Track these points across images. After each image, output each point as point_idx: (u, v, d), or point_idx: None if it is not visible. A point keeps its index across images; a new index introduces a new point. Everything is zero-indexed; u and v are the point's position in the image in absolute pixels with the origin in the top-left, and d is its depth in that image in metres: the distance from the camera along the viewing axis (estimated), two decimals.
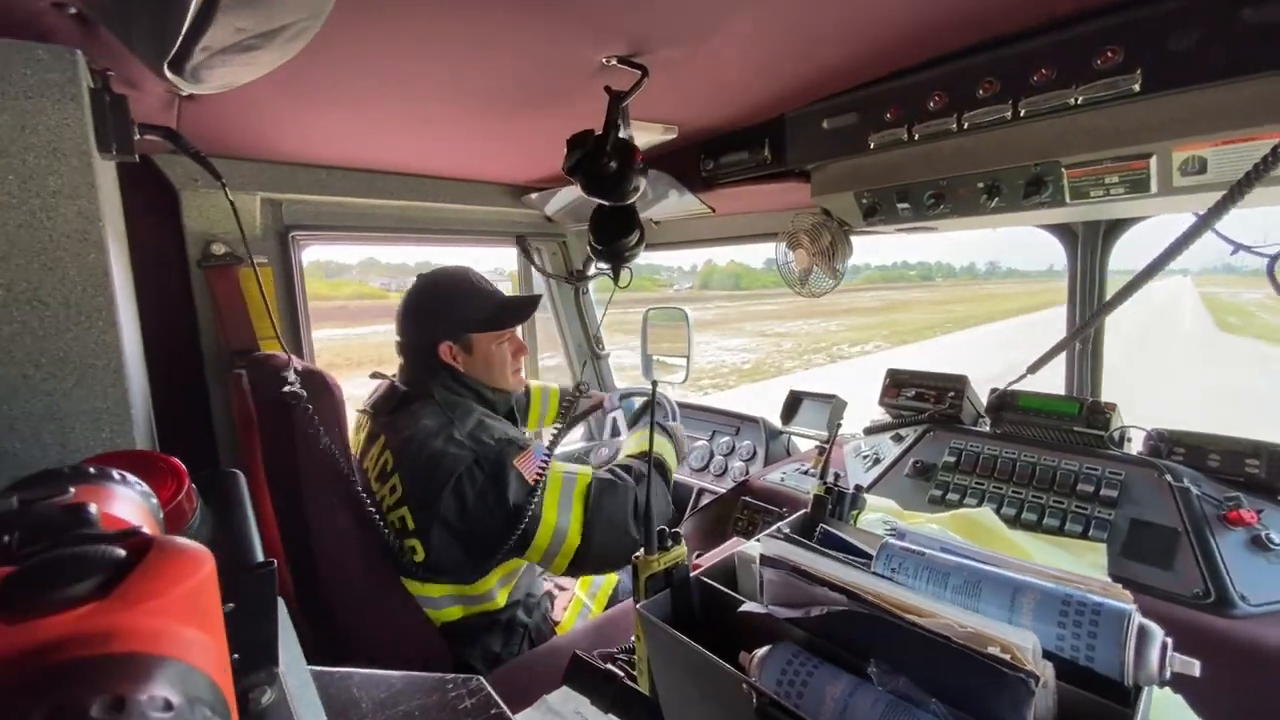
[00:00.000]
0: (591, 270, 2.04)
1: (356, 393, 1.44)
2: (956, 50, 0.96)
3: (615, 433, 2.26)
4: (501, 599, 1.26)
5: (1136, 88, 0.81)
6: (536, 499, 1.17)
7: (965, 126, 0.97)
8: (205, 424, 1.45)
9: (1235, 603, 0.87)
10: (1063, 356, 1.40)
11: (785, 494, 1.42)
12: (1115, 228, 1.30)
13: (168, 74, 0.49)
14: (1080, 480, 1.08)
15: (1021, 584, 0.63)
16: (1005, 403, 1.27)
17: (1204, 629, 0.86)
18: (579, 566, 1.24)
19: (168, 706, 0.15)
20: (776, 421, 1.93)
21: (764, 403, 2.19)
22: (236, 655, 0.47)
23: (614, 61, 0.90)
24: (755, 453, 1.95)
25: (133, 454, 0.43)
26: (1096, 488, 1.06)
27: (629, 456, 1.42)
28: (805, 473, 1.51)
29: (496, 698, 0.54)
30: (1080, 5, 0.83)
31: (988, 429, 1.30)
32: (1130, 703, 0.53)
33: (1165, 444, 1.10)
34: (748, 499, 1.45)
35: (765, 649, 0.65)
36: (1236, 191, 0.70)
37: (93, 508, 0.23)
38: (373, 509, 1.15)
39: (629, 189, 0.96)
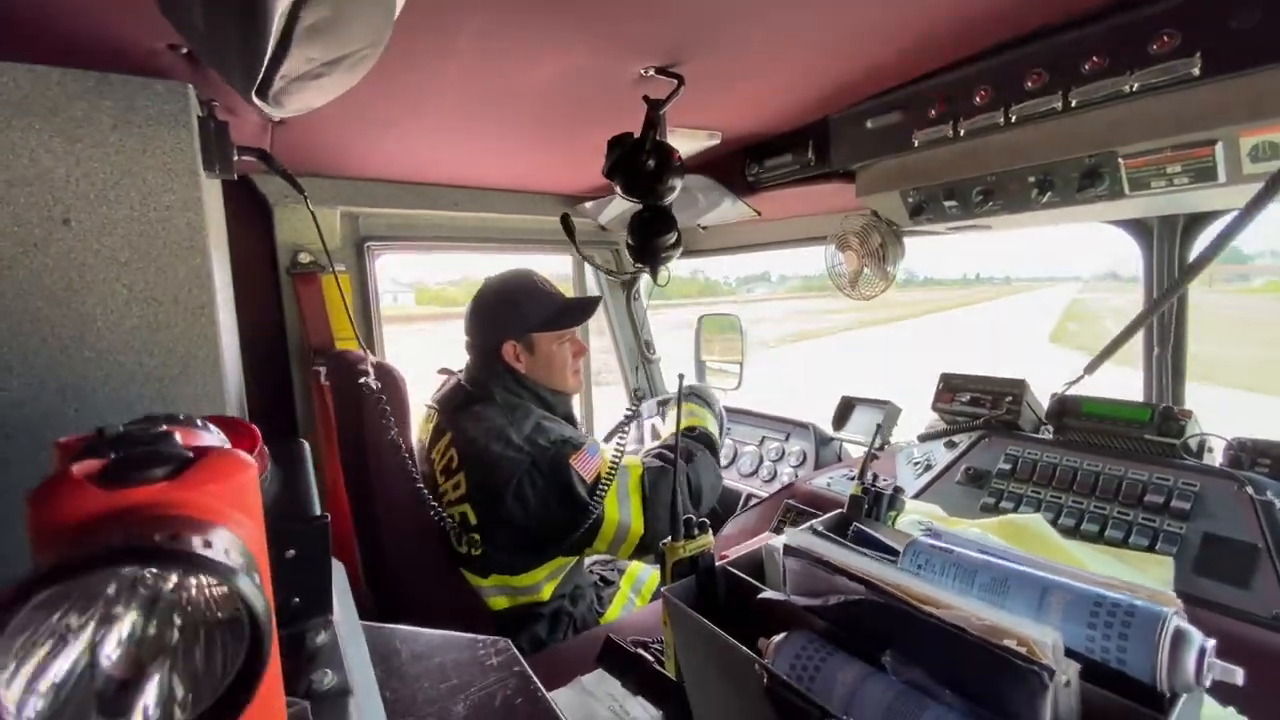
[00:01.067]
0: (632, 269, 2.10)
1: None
2: (1000, 43, 0.94)
3: (656, 437, 2.29)
4: (547, 592, 1.32)
5: (1196, 71, 0.77)
6: (597, 498, 1.23)
7: (1013, 120, 0.95)
8: (289, 412, 1.61)
9: None
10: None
11: (829, 498, 1.40)
12: (1196, 221, 1.21)
13: (255, 100, 0.57)
14: (1149, 490, 1.01)
15: (1052, 584, 0.61)
16: (1067, 408, 1.21)
17: None
18: (644, 550, 1.31)
19: (209, 545, 0.20)
20: (827, 427, 1.90)
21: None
22: (297, 599, 0.55)
23: (651, 72, 0.94)
24: (805, 458, 1.92)
25: (219, 417, 0.51)
26: (1167, 499, 0.99)
27: (670, 437, 1.47)
28: (852, 478, 1.48)
29: (520, 658, 0.59)
30: None
31: (1048, 436, 1.24)
32: (1164, 708, 0.51)
33: (1248, 454, 1.01)
34: (790, 502, 1.44)
35: (782, 635, 0.66)
36: None
37: (176, 435, 0.30)
38: (434, 503, 1.24)
39: (666, 188, 0.99)
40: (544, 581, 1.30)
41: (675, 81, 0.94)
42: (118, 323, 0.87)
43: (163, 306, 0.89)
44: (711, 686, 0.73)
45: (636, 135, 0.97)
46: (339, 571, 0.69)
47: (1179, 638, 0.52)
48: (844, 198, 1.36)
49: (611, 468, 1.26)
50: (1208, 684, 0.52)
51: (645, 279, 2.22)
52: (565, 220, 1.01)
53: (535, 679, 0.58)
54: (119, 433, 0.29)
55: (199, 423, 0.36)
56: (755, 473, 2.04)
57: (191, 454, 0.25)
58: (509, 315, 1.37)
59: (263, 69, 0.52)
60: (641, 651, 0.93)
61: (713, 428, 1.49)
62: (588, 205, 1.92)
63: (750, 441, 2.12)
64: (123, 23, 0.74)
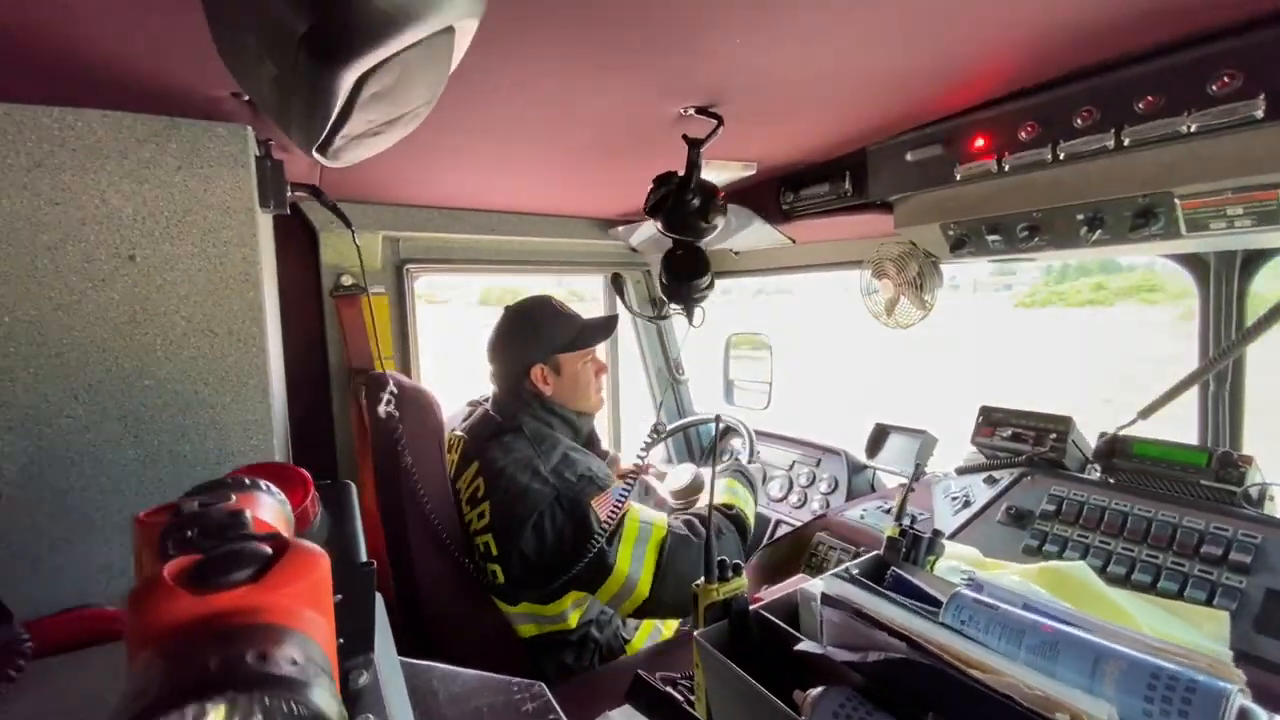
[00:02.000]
0: (666, 311, 2.10)
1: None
2: (1051, 79, 0.93)
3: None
4: (574, 620, 1.32)
5: (1260, 114, 0.74)
6: (613, 546, 1.21)
7: (1061, 157, 0.92)
8: (329, 433, 1.65)
9: None
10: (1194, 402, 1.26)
11: (864, 532, 1.37)
12: (1256, 258, 1.16)
13: (314, 155, 0.60)
14: (1206, 541, 0.97)
15: (1106, 651, 0.59)
16: (1117, 449, 1.16)
17: None
18: (645, 613, 1.28)
19: (294, 662, 0.21)
20: (860, 454, 1.87)
21: None
22: (342, 640, 0.56)
23: (691, 111, 0.95)
24: (837, 485, 1.89)
25: (273, 466, 0.53)
26: (1226, 550, 0.94)
27: (703, 507, 1.42)
28: (887, 511, 1.45)
29: (554, 704, 0.59)
30: (1190, 29, 0.77)
31: (1095, 477, 1.20)
32: None
33: None
34: (823, 535, 1.41)
35: (820, 689, 0.65)
36: None
37: (247, 513, 0.31)
38: (461, 530, 1.25)
39: (709, 227, 1.00)
40: (569, 610, 1.30)
41: (715, 121, 0.95)
42: (175, 353, 0.91)
43: (218, 338, 0.93)
44: None
45: (680, 173, 0.98)
46: (379, 606, 0.71)
47: (1244, 718, 0.50)
48: (880, 225, 1.34)
49: (634, 519, 1.25)
50: None
51: None
52: (616, 279, 1.03)
53: None
54: (195, 511, 0.30)
55: (262, 486, 0.38)
56: (785, 498, 2.01)
57: (271, 551, 0.26)
58: (534, 339, 1.40)
59: (325, 132, 0.54)
60: (671, 690, 0.92)
61: (749, 515, 1.44)
62: (620, 229, 1.94)
63: (780, 466, 2.09)
64: (190, 71, 0.78)
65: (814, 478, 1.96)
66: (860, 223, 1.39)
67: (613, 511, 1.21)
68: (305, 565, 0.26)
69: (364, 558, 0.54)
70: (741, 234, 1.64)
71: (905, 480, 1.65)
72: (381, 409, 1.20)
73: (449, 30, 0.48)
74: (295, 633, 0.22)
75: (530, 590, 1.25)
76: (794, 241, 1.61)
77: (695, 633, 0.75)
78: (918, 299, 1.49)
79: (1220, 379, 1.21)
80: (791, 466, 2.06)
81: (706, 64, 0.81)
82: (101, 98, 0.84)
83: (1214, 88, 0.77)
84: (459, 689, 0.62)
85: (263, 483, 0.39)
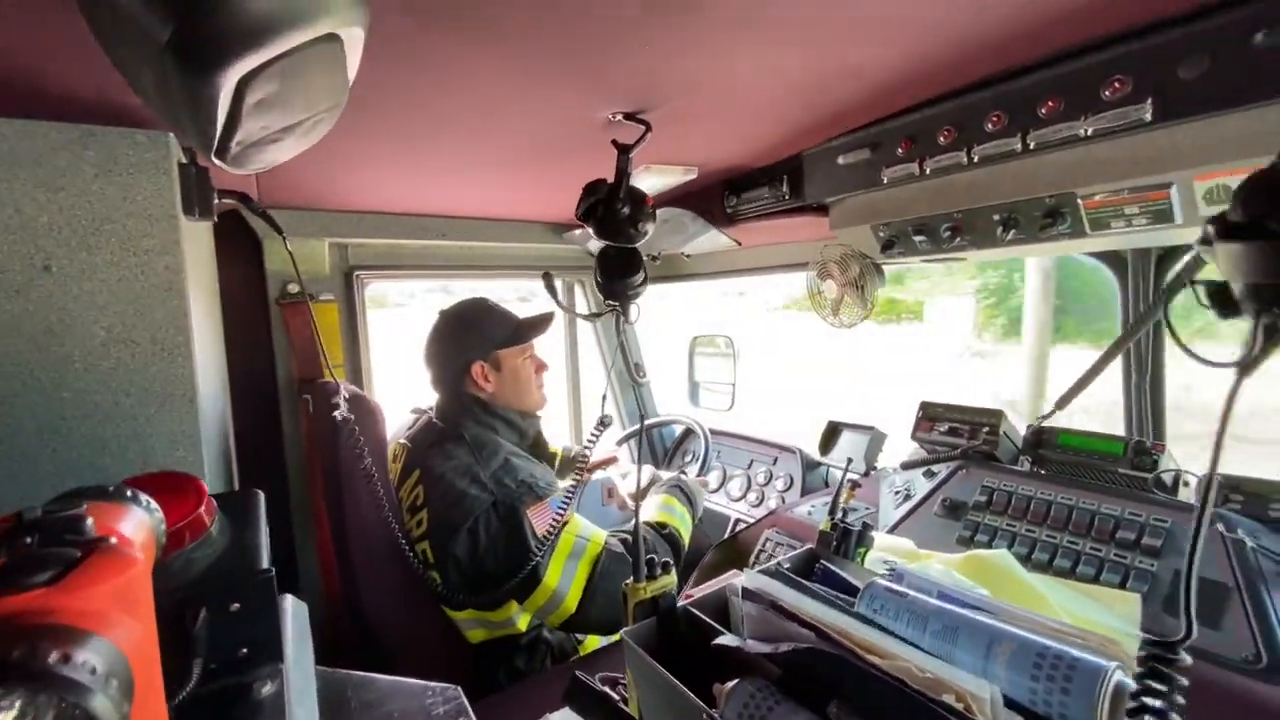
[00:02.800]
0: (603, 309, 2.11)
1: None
2: (963, 86, 0.96)
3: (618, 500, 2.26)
4: (523, 624, 1.31)
5: (1148, 117, 0.78)
6: (542, 557, 1.20)
7: (976, 160, 0.96)
8: (279, 445, 1.62)
9: None
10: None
11: (810, 528, 1.40)
12: (1170, 255, 1.22)
13: (215, 160, 0.60)
14: (1121, 526, 1.01)
15: (999, 633, 0.61)
16: (1044, 439, 1.21)
17: (1253, 697, 0.78)
18: (572, 627, 1.27)
19: (65, 660, 0.21)
20: (814, 451, 1.90)
21: None
22: (245, 650, 0.56)
23: (619, 118, 0.97)
24: (792, 482, 1.92)
25: (166, 475, 0.52)
26: (1138, 535, 0.99)
27: (647, 525, 1.42)
28: None
29: (467, 707, 0.59)
30: (1086, 36, 0.81)
31: (1025, 468, 1.24)
32: None
33: (1220, 490, 1.01)
34: (771, 532, 1.43)
35: (734, 682, 0.66)
36: None
37: (89, 520, 0.31)
38: (403, 538, 1.25)
39: (639, 233, 1.01)
40: (516, 615, 1.29)
41: (643, 128, 0.96)
42: (95, 364, 0.89)
43: (140, 348, 0.91)
44: None
45: (610, 180, 0.99)
46: (300, 613, 0.70)
47: (1120, 694, 0.52)
48: (820, 229, 1.38)
49: (570, 533, 1.25)
50: None
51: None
52: (547, 278, 1.03)
53: None
54: (36, 518, 0.30)
55: (127, 494, 0.38)
56: (744, 497, 2.04)
57: (79, 554, 0.26)
58: (472, 337, 1.41)
59: (216, 139, 0.54)
60: (609, 690, 0.93)
61: (684, 532, 1.44)
62: (576, 233, 1.95)
63: (740, 465, 2.12)
64: (103, 79, 0.77)
65: (771, 476, 1.99)
66: (801, 225, 1.42)
67: (552, 524, 1.21)
68: (110, 569, 0.26)
69: (264, 565, 0.53)
70: (689, 237, 1.66)
71: (854, 476, 1.69)
72: (339, 414, 1.19)
73: (333, 38, 0.48)
74: (91, 635, 0.23)
75: (469, 597, 1.24)
76: (739, 244, 1.63)
77: (622, 631, 0.76)
78: (859, 298, 1.53)
79: (1141, 370, 1.26)
80: (750, 465, 2.09)
81: (626, 72, 0.82)
82: (13, 106, 0.83)
83: (1107, 93, 0.81)
84: (372, 696, 0.61)
85: (130, 491, 0.39)
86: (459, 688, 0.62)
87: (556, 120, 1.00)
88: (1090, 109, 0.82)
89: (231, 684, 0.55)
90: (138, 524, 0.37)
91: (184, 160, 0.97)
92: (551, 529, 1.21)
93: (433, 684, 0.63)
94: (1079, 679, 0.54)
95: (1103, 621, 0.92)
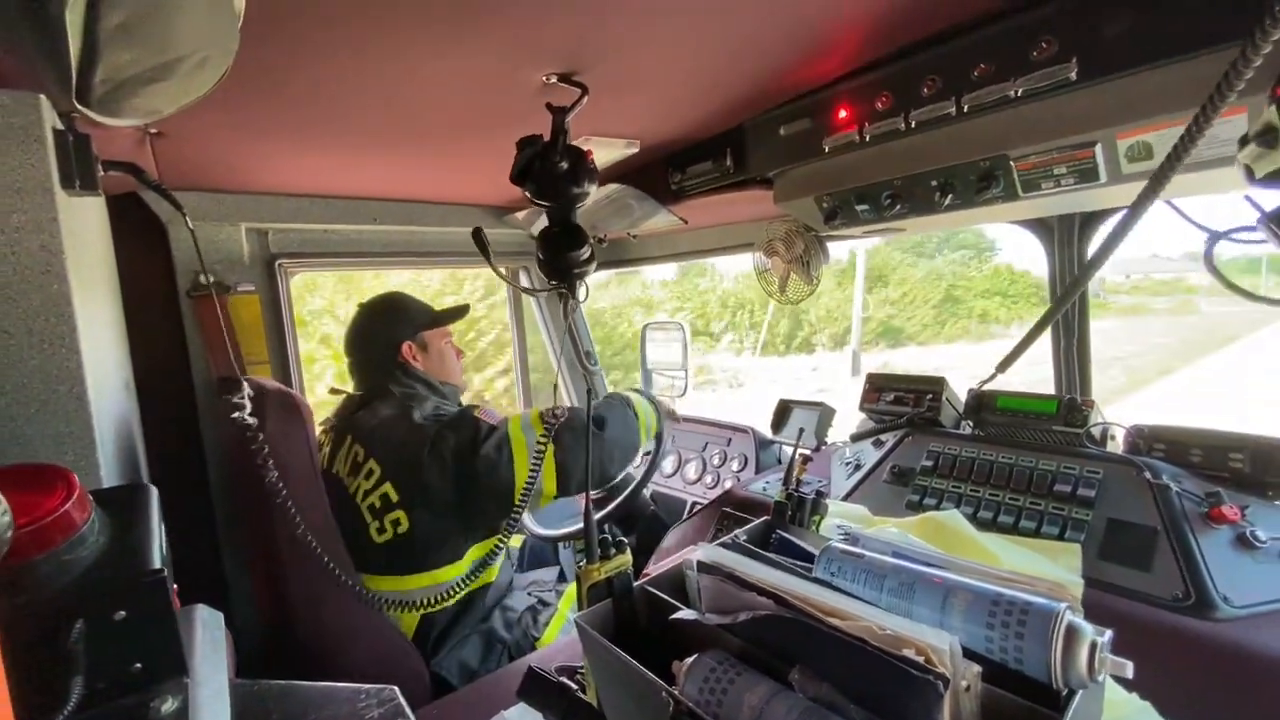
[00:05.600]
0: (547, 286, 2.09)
1: None
2: (898, 50, 0.97)
3: None
4: (473, 586, 1.29)
5: (1074, 76, 0.80)
6: (502, 424, 1.30)
7: (913, 125, 0.97)
8: (198, 446, 1.49)
9: (1217, 605, 0.82)
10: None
11: (765, 503, 1.39)
12: (1091, 220, 1.27)
13: (78, 106, 0.52)
14: (1057, 480, 1.05)
15: (954, 585, 0.61)
16: (984, 403, 1.24)
17: (1183, 633, 0.82)
18: (565, 477, 1.30)
19: None
20: (768, 430, 1.91)
21: None
22: (139, 664, 0.49)
23: (554, 79, 0.92)
24: (747, 462, 1.93)
25: (29, 468, 0.45)
26: (1074, 488, 1.02)
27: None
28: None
29: (405, 708, 0.54)
30: None
31: (967, 432, 1.27)
32: (1061, 707, 0.51)
33: (1145, 440, 1.06)
34: (727, 509, 1.43)
35: (693, 657, 0.64)
36: (1159, 178, 0.68)
37: None
38: (336, 542, 1.20)
39: (581, 192, 0.95)
40: (465, 577, 1.21)
41: (579, 90, 0.92)
42: None
43: (13, 339, 0.80)
44: (630, 715, 0.70)
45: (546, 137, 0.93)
46: (213, 622, 0.63)
47: (1071, 633, 0.52)
48: (764, 204, 1.37)
49: (514, 419, 1.33)
50: (1100, 679, 0.52)
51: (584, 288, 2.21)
52: (478, 235, 0.96)
53: None
54: None
55: None
56: (700, 479, 2.03)
57: None
58: (398, 321, 1.47)
59: (74, 73, 0.47)
60: (566, 681, 0.89)
61: (643, 414, 1.52)
62: (519, 216, 1.88)
63: (694, 449, 2.11)
64: None
65: (725, 457, 1.99)
66: (746, 201, 1.41)
67: (498, 417, 1.31)
68: None
69: (156, 565, 0.46)
70: (635, 216, 1.63)
71: (805, 450, 1.70)
72: (239, 415, 1.08)
73: None
74: None
75: (441, 535, 1.27)
76: (685, 222, 1.61)
77: (574, 615, 0.72)
78: (805, 275, 1.54)
79: (1069, 333, 1.32)
80: (705, 448, 2.08)
81: (557, 30, 0.78)
82: None
83: (1035, 54, 0.82)
84: (296, 705, 0.55)
85: None
86: (395, 689, 0.56)
87: (486, 83, 0.94)
88: (1020, 70, 0.84)
89: (125, 704, 0.48)
90: None
91: (60, 126, 0.86)
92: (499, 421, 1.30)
93: (366, 686, 0.57)
94: (1032, 622, 0.54)
95: (1049, 572, 0.95)
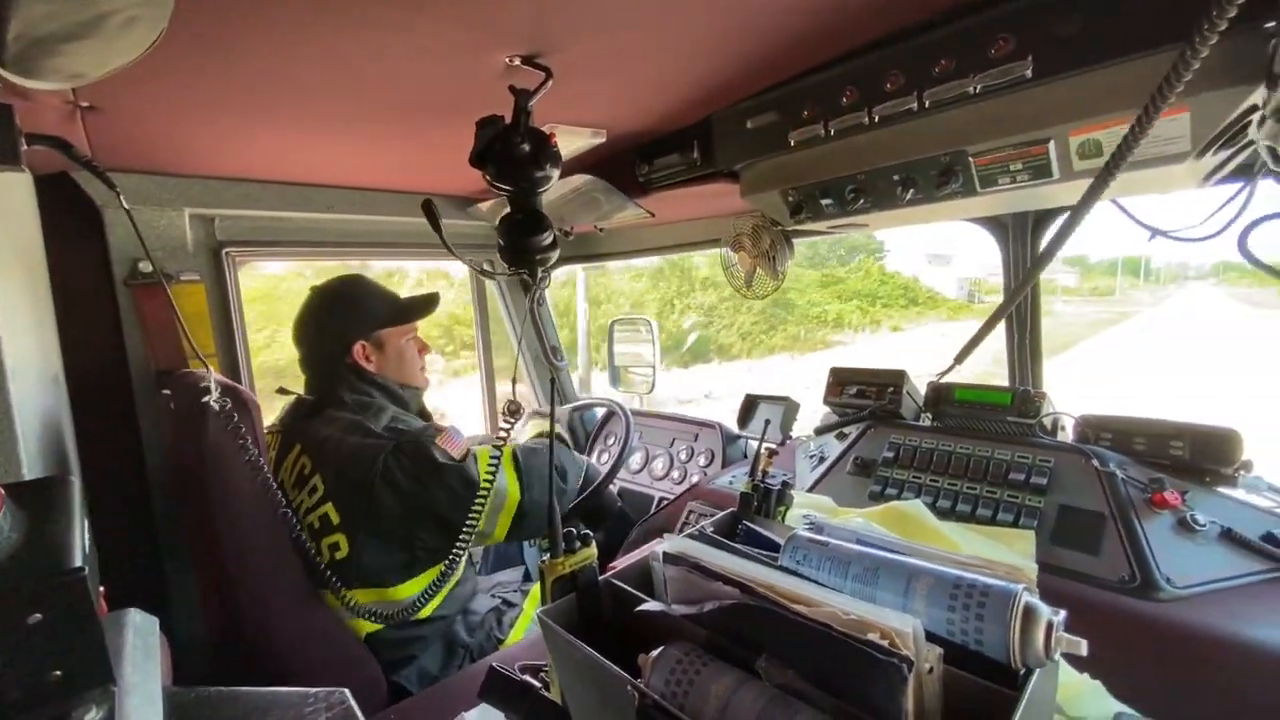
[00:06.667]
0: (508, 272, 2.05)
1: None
2: (863, 45, 0.98)
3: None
4: (427, 611, 1.22)
5: (1029, 74, 0.82)
6: (467, 464, 1.18)
7: (876, 120, 0.98)
8: (134, 445, 1.41)
9: (1160, 586, 0.86)
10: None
11: (732, 496, 1.39)
12: (1045, 217, 1.32)
13: None
14: (1012, 469, 1.08)
15: (916, 569, 0.61)
16: (942, 396, 1.27)
17: (1130, 614, 0.85)
18: (520, 524, 1.24)
19: None
20: (734, 425, 1.92)
21: None
22: (58, 671, 0.45)
23: (517, 61, 0.89)
24: (714, 457, 1.93)
25: None
26: (1027, 476, 1.06)
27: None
28: None
29: (356, 711, 0.51)
30: None
31: (927, 423, 1.30)
32: (1019, 686, 0.52)
33: (1093, 429, 1.11)
34: (695, 504, 1.42)
35: (659, 649, 0.63)
36: (1105, 175, 0.70)
37: None
38: (294, 517, 1.11)
39: (544, 176, 0.93)
40: (420, 596, 1.16)
41: (542, 74, 0.90)
42: None
43: None
44: (594, 713, 0.69)
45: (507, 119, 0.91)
46: (146, 627, 0.59)
47: (1029, 613, 0.53)
48: (731, 198, 1.37)
49: (482, 449, 1.25)
50: (1056, 657, 0.53)
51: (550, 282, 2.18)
52: (428, 206, 0.91)
53: None
54: None
55: None
56: (667, 475, 2.03)
57: None
58: (353, 315, 1.33)
59: None
60: (529, 679, 0.86)
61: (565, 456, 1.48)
62: (483, 207, 1.84)
63: (662, 444, 2.10)
64: None
65: (693, 452, 1.99)
66: (714, 194, 1.41)
67: (461, 447, 1.20)
68: None
69: (76, 563, 0.42)
70: (603, 209, 1.61)
71: (770, 444, 1.72)
72: (210, 400, 1.02)
73: None
74: None
75: (382, 564, 1.17)
76: (652, 215, 1.60)
77: (538, 610, 0.70)
78: (771, 270, 1.55)
79: (1021, 327, 1.36)
80: (672, 444, 2.08)
81: (521, 5, 0.75)
82: None
83: (992, 51, 0.84)
84: (236, 711, 0.52)
85: None
86: (346, 691, 0.53)
87: (447, 64, 0.91)
88: (979, 67, 0.86)
89: (42, 714, 0.44)
90: None
91: None
92: (464, 451, 1.19)
93: (314, 690, 0.54)
94: (992, 603, 0.55)
95: (1005, 557, 0.98)
